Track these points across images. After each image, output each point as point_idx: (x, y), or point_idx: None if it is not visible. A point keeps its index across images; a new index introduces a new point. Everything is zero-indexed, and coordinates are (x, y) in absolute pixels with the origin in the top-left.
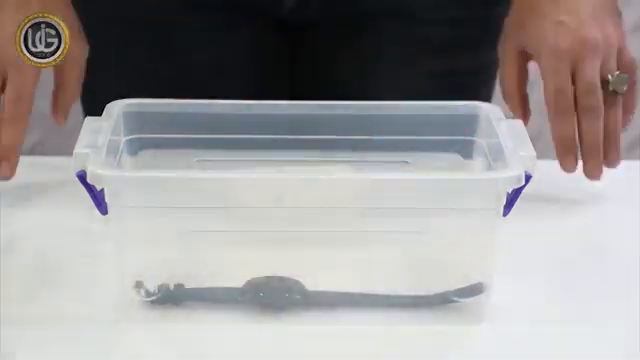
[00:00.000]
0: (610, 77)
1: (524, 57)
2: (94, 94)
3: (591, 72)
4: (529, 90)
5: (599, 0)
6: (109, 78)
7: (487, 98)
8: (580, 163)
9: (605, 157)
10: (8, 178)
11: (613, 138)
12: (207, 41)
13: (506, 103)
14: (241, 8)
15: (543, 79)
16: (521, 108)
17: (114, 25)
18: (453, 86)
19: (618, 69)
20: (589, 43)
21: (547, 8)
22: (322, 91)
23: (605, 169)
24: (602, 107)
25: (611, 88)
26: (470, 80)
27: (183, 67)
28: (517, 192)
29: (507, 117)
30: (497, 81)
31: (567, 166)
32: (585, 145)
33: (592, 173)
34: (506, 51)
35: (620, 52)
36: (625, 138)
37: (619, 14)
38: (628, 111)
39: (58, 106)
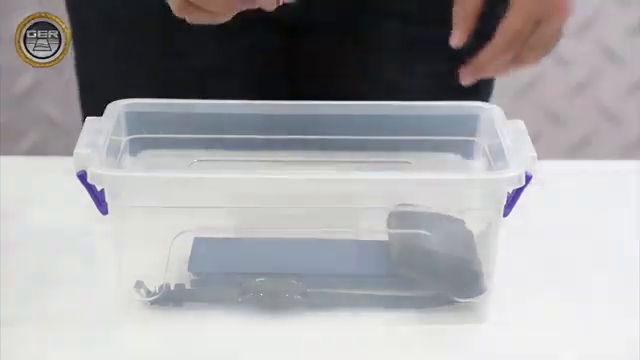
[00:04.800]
0: None
1: None
2: (95, 94)
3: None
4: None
5: None
6: (111, 78)
7: (487, 95)
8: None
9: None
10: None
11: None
12: (209, 42)
13: (458, 21)
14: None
15: (510, 12)
16: (467, 29)
17: (117, 26)
18: (454, 85)
19: None
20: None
21: None
22: (322, 91)
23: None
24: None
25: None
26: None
27: (186, 68)
28: (517, 192)
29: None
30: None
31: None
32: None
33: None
34: None
35: None
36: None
37: None
38: None
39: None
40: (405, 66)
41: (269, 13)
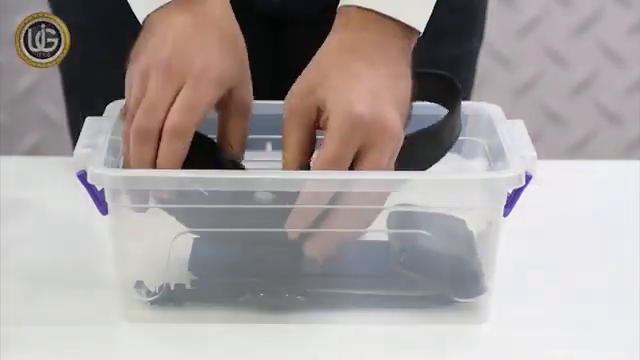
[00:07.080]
0: None
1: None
2: (80, 94)
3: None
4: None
5: None
6: (94, 78)
7: (470, 85)
8: None
9: None
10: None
11: None
12: None
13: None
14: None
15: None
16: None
17: (100, 26)
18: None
19: None
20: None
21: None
22: None
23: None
24: None
25: None
26: (453, 68)
27: None
28: (518, 192)
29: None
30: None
31: None
32: None
33: None
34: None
35: None
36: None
37: None
38: None
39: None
40: None
41: (252, 6)
